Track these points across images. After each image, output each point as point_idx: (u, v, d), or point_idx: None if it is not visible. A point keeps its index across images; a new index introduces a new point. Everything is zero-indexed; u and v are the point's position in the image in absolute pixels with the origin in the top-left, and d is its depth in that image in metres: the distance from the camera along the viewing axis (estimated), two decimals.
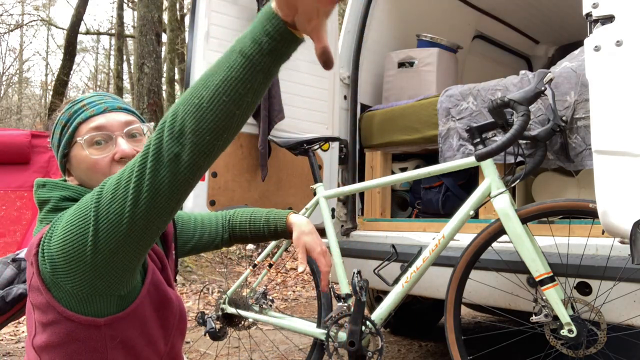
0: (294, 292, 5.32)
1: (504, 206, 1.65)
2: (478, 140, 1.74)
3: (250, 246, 6.91)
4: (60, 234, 0.83)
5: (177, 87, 12.91)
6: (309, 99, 2.67)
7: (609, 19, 1.37)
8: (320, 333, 1.92)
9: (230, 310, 2.11)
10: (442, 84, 2.80)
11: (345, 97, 2.84)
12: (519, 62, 4.10)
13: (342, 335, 1.85)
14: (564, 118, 1.88)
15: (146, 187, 0.76)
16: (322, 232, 2.44)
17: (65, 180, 1.03)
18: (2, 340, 3.32)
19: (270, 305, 2.11)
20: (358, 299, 1.75)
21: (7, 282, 1.88)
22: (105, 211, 0.79)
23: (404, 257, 1.87)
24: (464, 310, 2.18)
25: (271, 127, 2.39)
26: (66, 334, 0.88)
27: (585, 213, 1.56)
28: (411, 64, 2.90)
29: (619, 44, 1.35)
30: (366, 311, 3.15)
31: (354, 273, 1.79)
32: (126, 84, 17.16)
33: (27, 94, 19.14)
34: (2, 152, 2.54)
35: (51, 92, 11.23)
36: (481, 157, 1.71)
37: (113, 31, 15.25)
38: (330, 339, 1.86)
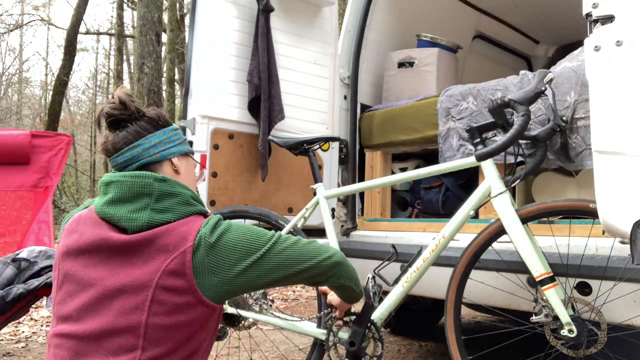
0: (293, 292, 5.31)
1: (504, 206, 1.65)
2: (478, 140, 1.74)
3: None
4: (236, 236, 1.10)
5: (177, 87, 12.91)
6: (309, 99, 2.67)
7: (609, 19, 1.37)
8: (321, 333, 1.92)
9: (231, 310, 2.11)
10: (442, 84, 2.80)
11: (345, 97, 2.84)
12: (519, 62, 4.10)
13: (343, 335, 1.85)
14: (564, 118, 1.88)
15: (307, 274, 1.20)
16: (322, 232, 2.44)
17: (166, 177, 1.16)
18: (2, 340, 3.32)
19: (271, 305, 2.11)
20: (371, 304, 1.74)
21: (7, 282, 1.89)
22: (275, 256, 1.13)
23: (404, 257, 1.87)
24: (464, 310, 2.18)
25: (271, 127, 2.39)
26: (198, 314, 1.06)
27: (586, 213, 1.56)
28: (411, 64, 2.90)
29: (619, 44, 1.35)
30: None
31: (368, 278, 1.79)
32: (126, 84, 17.16)
33: (27, 94, 19.15)
34: (2, 152, 2.54)
35: (51, 92, 11.23)
36: (481, 157, 1.71)
37: (113, 31, 15.26)
38: (330, 338, 1.86)
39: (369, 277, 1.78)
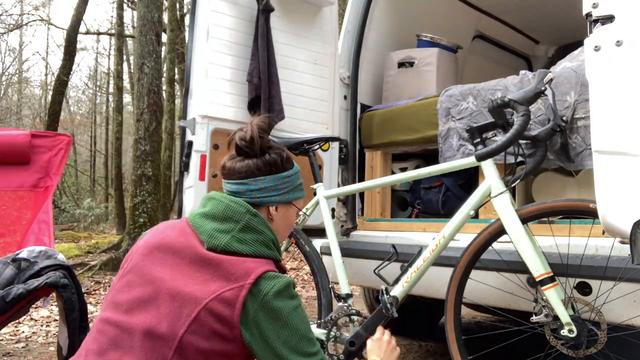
0: None
1: (504, 206, 1.65)
2: (478, 140, 1.74)
3: None
4: (297, 322, 1.09)
5: (177, 87, 12.91)
6: (309, 99, 2.67)
7: (609, 19, 1.37)
8: (320, 333, 1.92)
9: None
10: (442, 84, 2.80)
11: (345, 97, 2.84)
12: (519, 62, 4.11)
13: (343, 334, 1.85)
14: (564, 118, 1.88)
15: None
16: (322, 232, 2.44)
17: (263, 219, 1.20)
18: (2, 340, 3.32)
19: None
20: (389, 315, 1.75)
21: (7, 282, 1.88)
22: None
23: (404, 257, 1.87)
24: (464, 310, 2.18)
25: (271, 127, 2.39)
26: (230, 351, 1.08)
27: (586, 213, 1.56)
28: (411, 64, 2.90)
29: (619, 44, 1.35)
30: (367, 310, 3.15)
31: (382, 290, 1.79)
32: (126, 84, 17.16)
33: (27, 94, 19.14)
34: (2, 152, 2.54)
35: (51, 92, 11.23)
36: (481, 157, 1.71)
37: (113, 31, 15.25)
38: (330, 338, 1.86)
39: (382, 289, 1.79)
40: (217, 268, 1.08)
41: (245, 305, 1.05)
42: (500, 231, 1.70)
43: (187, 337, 1.02)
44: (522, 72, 2.13)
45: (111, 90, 17.71)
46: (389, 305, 1.75)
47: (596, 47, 1.38)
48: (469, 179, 2.66)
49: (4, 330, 3.36)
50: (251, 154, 1.22)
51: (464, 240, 1.90)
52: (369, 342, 1.57)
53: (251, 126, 1.22)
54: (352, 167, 2.76)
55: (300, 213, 2.16)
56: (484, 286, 1.86)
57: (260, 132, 1.22)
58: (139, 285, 1.10)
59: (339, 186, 2.75)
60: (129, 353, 1.03)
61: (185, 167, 2.33)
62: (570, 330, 1.52)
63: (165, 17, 11.06)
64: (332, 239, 2.05)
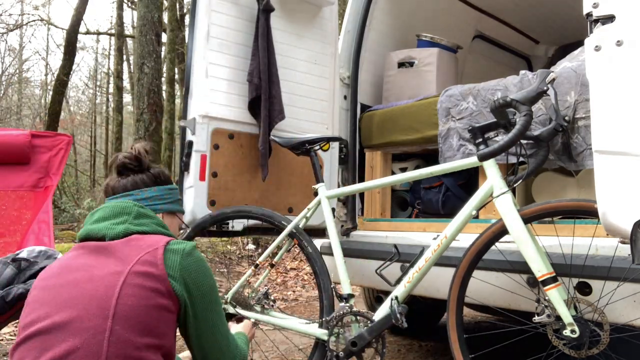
0: (294, 292, 5.31)
1: (506, 206, 1.65)
2: (480, 140, 1.74)
3: (250, 246, 6.91)
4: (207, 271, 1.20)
5: (177, 87, 12.91)
6: (309, 99, 2.67)
7: (609, 18, 1.37)
8: (322, 333, 1.92)
9: (231, 310, 2.11)
10: (442, 84, 2.80)
11: (345, 97, 2.84)
12: (519, 62, 4.11)
13: (346, 335, 1.85)
14: (566, 118, 1.88)
15: None
16: (322, 232, 2.44)
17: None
18: (2, 340, 3.31)
19: (272, 306, 2.11)
20: (399, 324, 1.75)
21: (7, 282, 1.88)
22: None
23: (405, 257, 1.87)
24: (465, 310, 2.18)
25: (272, 127, 2.39)
26: (165, 305, 1.12)
27: (589, 213, 1.56)
28: (411, 64, 2.90)
29: (619, 44, 1.35)
30: (367, 309, 3.15)
31: (391, 300, 1.79)
32: (126, 84, 17.16)
33: (27, 94, 19.13)
34: (2, 152, 2.54)
35: (51, 92, 11.22)
36: (483, 157, 1.71)
37: (113, 31, 15.25)
38: (332, 339, 1.86)
39: (392, 299, 1.79)
40: (126, 246, 1.13)
41: (166, 261, 1.11)
42: (502, 231, 1.70)
43: (122, 301, 1.03)
44: (522, 72, 2.13)
45: (111, 90, 17.71)
46: (398, 315, 1.75)
47: (596, 47, 1.38)
48: (469, 179, 2.66)
49: (4, 330, 3.35)
50: (137, 169, 1.33)
51: (464, 240, 1.90)
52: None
53: (134, 147, 1.34)
54: (352, 167, 2.76)
55: (302, 213, 2.16)
56: (486, 286, 1.86)
57: (145, 152, 1.35)
58: (53, 296, 1.08)
59: (339, 186, 2.75)
60: (61, 344, 1.00)
61: (185, 167, 2.33)
62: (572, 331, 1.52)
63: (165, 17, 11.06)
64: (333, 239, 2.05)
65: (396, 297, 1.79)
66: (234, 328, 1.62)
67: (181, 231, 1.64)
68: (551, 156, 1.96)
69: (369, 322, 1.83)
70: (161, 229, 1.24)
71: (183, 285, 1.12)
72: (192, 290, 1.14)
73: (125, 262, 1.09)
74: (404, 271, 1.82)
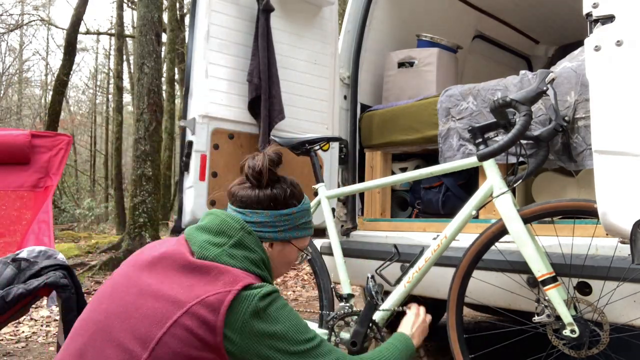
0: (294, 292, 5.32)
1: (506, 206, 1.65)
2: (480, 140, 1.74)
3: None
4: (285, 314, 1.07)
5: (177, 87, 12.91)
6: (309, 99, 2.67)
7: (609, 18, 1.37)
8: (322, 333, 1.92)
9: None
10: (442, 84, 2.80)
11: (345, 97, 2.84)
12: (519, 62, 4.11)
13: (345, 335, 1.85)
14: (566, 118, 1.88)
15: None
16: (323, 232, 2.44)
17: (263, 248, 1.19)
18: (2, 340, 3.32)
19: None
20: (374, 303, 1.75)
21: (7, 282, 1.88)
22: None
23: (405, 257, 1.87)
24: (465, 310, 2.18)
25: (272, 127, 2.39)
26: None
27: (589, 213, 1.56)
28: (411, 64, 2.90)
29: (619, 44, 1.35)
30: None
31: (367, 277, 1.79)
32: (126, 84, 17.17)
33: (27, 94, 19.13)
34: (2, 152, 2.54)
35: (51, 92, 11.22)
36: (483, 157, 1.71)
37: (113, 31, 15.25)
38: (332, 339, 1.86)
39: (368, 277, 1.79)
40: (205, 274, 1.05)
41: (230, 310, 1.01)
42: (502, 231, 1.70)
43: (165, 339, 0.99)
44: (522, 72, 2.13)
45: (111, 90, 17.71)
46: (374, 293, 1.75)
47: (596, 47, 1.38)
48: (469, 179, 2.66)
49: (4, 330, 3.36)
50: (256, 184, 1.19)
51: (464, 240, 1.90)
52: (404, 318, 1.51)
53: (263, 157, 1.19)
54: (352, 167, 2.76)
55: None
56: (486, 286, 1.86)
57: (270, 164, 1.18)
58: (124, 287, 1.08)
59: (339, 186, 2.74)
60: (104, 351, 1.00)
61: (185, 167, 2.33)
62: (572, 331, 1.52)
63: (165, 17, 11.06)
64: (333, 239, 2.05)
65: (372, 277, 1.79)
66: (399, 327, 1.46)
67: (303, 256, 1.51)
68: (551, 156, 1.96)
69: (375, 328, 1.83)
70: (253, 268, 1.12)
71: (239, 339, 1.02)
72: (243, 341, 1.02)
73: (192, 294, 1.02)
74: (404, 271, 1.82)
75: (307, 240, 1.29)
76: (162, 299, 1.02)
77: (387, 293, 1.86)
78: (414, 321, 1.50)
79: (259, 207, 1.18)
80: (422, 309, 1.59)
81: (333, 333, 1.87)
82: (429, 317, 1.53)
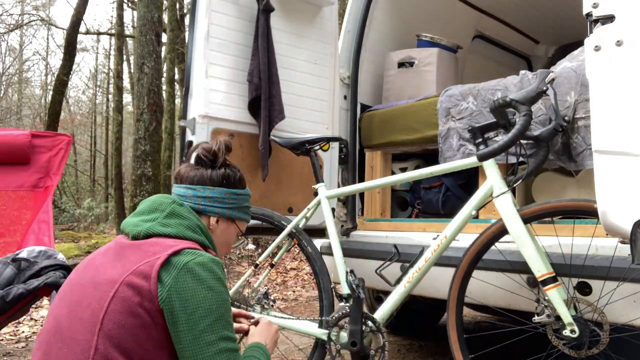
0: (293, 292, 5.32)
1: (506, 206, 1.65)
2: (480, 140, 1.74)
3: (250, 246, 6.91)
4: (195, 293, 1.04)
5: (177, 87, 12.91)
6: (309, 99, 2.67)
7: (609, 18, 1.37)
8: (322, 333, 1.92)
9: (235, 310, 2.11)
10: (442, 84, 2.80)
11: (345, 97, 2.84)
12: (519, 62, 4.10)
13: (344, 336, 1.85)
14: (566, 118, 1.88)
15: None
16: (323, 232, 2.44)
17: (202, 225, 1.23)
18: (2, 340, 3.32)
19: (272, 306, 2.11)
20: (356, 296, 1.75)
21: (7, 282, 1.88)
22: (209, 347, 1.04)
23: (405, 258, 1.87)
24: (465, 310, 2.18)
25: (272, 127, 2.39)
26: (151, 323, 1.04)
27: (589, 213, 1.56)
28: (411, 64, 2.90)
29: (619, 44, 1.35)
30: (367, 310, 3.15)
31: (347, 272, 1.79)
32: (126, 84, 17.16)
33: (27, 94, 19.12)
34: (2, 152, 2.54)
35: (51, 92, 11.22)
36: (483, 157, 1.71)
37: (113, 31, 15.25)
38: (332, 340, 1.86)
39: (347, 271, 1.80)
40: (137, 249, 1.09)
41: (160, 274, 1.03)
42: (502, 231, 1.70)
43: (108, 317, 1.01)
44: (522, 72, 2.13)
45: (111, 90, 17.71)
46: (354, 287, 1.76)
47: (596, 47, 1.38)
48: (469, 179, 2.66)
49: (4, 330, 3.35)
50: (209, 165, 1.26)
51: (464, 240, 1.90)
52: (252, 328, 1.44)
53: (218, 141, 1.27)
54: (352, 167, 2.76)
55: (302, 213, 2.16)
56: (486, 286, 1.86)
57: (225, 149, 1.27)
58: (69, 290, 1.12)
59: (339, 186, 2.74)
60: (60, 352, 1.03)
61: None
62: (572, 331, 1.52)
63: (165, 17, 11.06)
64: (333, 239, 2.05)
65: (352, 270, 1.83)
66: (250, 338, 1.40)
67: (240, 240, 1.52)
68: (551, 156, 1.96)
69: (368, 321, 1.83)
70: (189, 233, 1.14)
71: (169, 304, 1.02)
72: (177, 312, 1.02)
73: (124, 269, 1.05)
74: (404, 271, 1.82)
75: (245, 225, 1.35)
76: (99, 284, 1.06)
77: (387, 293, 1.86)
78: (266, 332, 1.40)
79: (210, 184, 1.24)
80: (265, 317, 1.56)
81: (333, 333, 1.87)
82: (275, 327, 1.44)
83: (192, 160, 1.27)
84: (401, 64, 2.93)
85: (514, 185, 1.74)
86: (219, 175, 1.25)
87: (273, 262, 2.22)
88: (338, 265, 2.00)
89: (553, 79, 1.69)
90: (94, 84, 20.93)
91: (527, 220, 1.65)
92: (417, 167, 2.82)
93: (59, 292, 1.17)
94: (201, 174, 1.24)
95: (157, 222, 1.14)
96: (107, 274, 1.06)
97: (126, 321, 1.01)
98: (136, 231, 1.13)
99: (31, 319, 3.88)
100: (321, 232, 2.53)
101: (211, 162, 1.26)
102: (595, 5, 1.39)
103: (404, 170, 2.80)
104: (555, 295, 1.54)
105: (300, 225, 2.17)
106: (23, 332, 3.54)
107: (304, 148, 2.16)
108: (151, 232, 1.12)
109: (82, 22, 11.74)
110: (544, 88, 1.65)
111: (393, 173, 2.80)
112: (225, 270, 5.99)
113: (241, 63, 2.43)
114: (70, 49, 10.36)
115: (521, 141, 1.70)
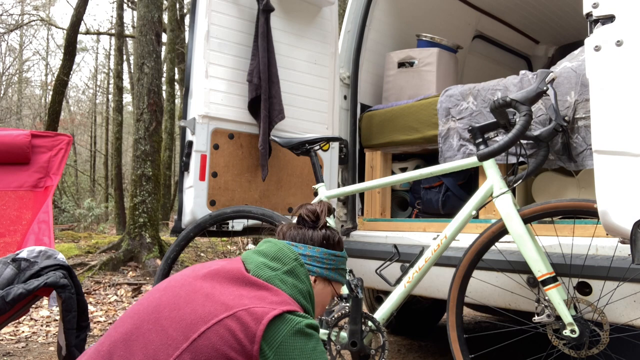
0: None
1: (506, 206, 1.65)
2: (480, 140, 1.74)
3: (250, 246, 6.91)
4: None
5: (177, 87, 12.91)
6: (309, 99, 2.67)
7: (609, 18, 1.37)
8: (322, 333, 1.92)
9: None
10: (442, 84, 2.80)
11: (345, 97, 2.84)
12: (519, 62, 4.11)
13: (344, 336, 1.85)
14: (566, 118, 1.88)
15: None
16: None
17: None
18: (2, 340, 3.32)
19: None
20: (355, 296, 1.76)
21: (7, 282, 1.88)
22: None
23: (405, 257, 1.87)
24: (465, 310, 2.18)
25: (271, 127, 2.39)
26: None
27: (589, 213, 1.56)
28: (411, 64, 2.90)
29: (619, 44, 1.35)
30: (367, 310, 3.15)
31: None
32: (126, 84, 17.16)
33: (27, 94, 19.13)
34: (2, 152, 2.54)
35: (51, 92, 11.23)
36: (483, 157, 1.71)
37: (113, 31, 15.25)
38: (332, 340, 1.86)
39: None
40: (256, 289, 1.10)
41: (271, 325, 1.03)
42: (502, 231, 1.70)
43: (208, 334, 1.01)
44: (522, 72, 2.13)
45: (111, 90, 17.71)
46: (353, 286, 1.76)
47: (596, 47, 1.38)
48: (468, 179, 2.66)
49: (4, 330, 3.35)
50: (311, 225, 1.31)
51: (464, 240, 1.90)
52: None
53: (322, 204, 1.33)
54: (352, 167, 2.76)
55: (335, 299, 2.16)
56: (486, 286, 1.86)
57: (327, 211, 1.32)
58: (179, 284, 1.12)
59: (338, 186, 2.75)
60: (148, 335, 1.03)
61: (185, 167, 2.33)
62: (572, 331, 1.52)
63: (165, 17, 11.06)
64: None
65: (350, 270, 1.83)
66: None
67: (334, 302, 1.56)
68: (551, 156, 1.96)
69: (368, 321, 1.83)
70: (300, 298, 1.18)
71: (270, 351, 1.03)
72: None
73: (239, 302, 1.06)
74: (404, 271, 1.82)
75: (341, 287, 1.39)
76: (212, 300, 1.06)
77: (387, 293, 1.86)
78: None
79: (312, 244, 1.29)
80: None
81: (333, 333, 1.87)
82: None
83: (295, 221, 1.33)
84: (401, 64, 2.93)
85: (514, 185, 1.74)
86: (319, 235, 1.29)
87: None
88: None
89: (553, 79, 1.69)
90: (94, 84, 20.94)
91: (527, 220, 1.65)
92: (417, 167, 2.82)
93: (167, 279, 1.18)
94: (303, 233, 1.29)
95: (277, 275, 1.16)
96: (223, 296, 1.07)
97: (220, 348, 1.01)
98: (257, 273, 1.15)
99: (31, 319, 3.88)
100: None
101: (313, 222, 1.31)
102: (595, 5, 1.39)
103: (404, 170, 2.80)
104: (556, 295, 1.54)
105: None
106: (23, 332, 3.54)
107: (304, 148, 2.16)
108: (270, 282, 1.14)
109: (82, 22, 11.74)
110: (544, 88, 1.65)
111: (393, 173, 2.80)
112: None
113: (241, 63, 2.43)
114: (70, 49, 10.36)
115: (521, 141, 1.70)
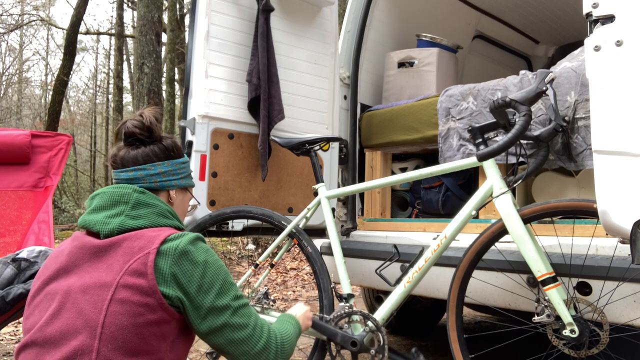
0: (294, 292, 5.31)
1: (506, 206, 1.65)
2: (480, 140, 1.74)
3: (250, 246, 6.91)
4: (217, 266, 1.12)
5: (177, 87, 12.90)
6: (309, 99, 2.67)
7: (609, 18, 1.37)
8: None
9: None
10: (442, 84, 2.80)
11: (345, 97, 2.84)
12: (519, 62, 4.11)
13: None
14: (566, 118, 1.88)
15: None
16: (323, 232, 2.44)
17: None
18: (2, 340, 3.32)
19: (272, 306, 2.11)
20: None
21: (7, 282, 1.88)
22: (229, 323, 1.11)
23: (405, 258, 1.87)
24: (465, 310, 2.18)
25: (271, 127, 2.39)
26: (157, 319, 1.05)
27: (589, 213, 1.56)
28: (411, 64, 2.90)
29: (619, 44, 1.35)
30: (367, 310, 3.15)
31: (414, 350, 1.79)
32: (126, 84, 17.16)
33: (27, 94, 19.12)
34: (2, 152, 2.54)
35: (51, 92, 11.22)
36: (483, 157, 1.71)
37: (113, 31, 15.25)
38: (333, 349, 1.86)
39: (413, 350, 1.80)
40: (117, 249, 1.06)
41: (157, 267, 1.03)
42: (502, 231, 1.70)
43: (109, 320, 0.99)
44: (522, 72, 2.13)
45: (111, 90, 17.71)
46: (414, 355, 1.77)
47: (596, 47, 1.38)
48: (468, 178, 2.66)
49: (4, 330, 3.35)
50: (147, 141, 1.22)
51: (464, 240, 1.90)
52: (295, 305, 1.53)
53: (145, 115, 1.22)
54: (352, 167, 2.76)
55: (302, 213, 2.16)
56: (486, 286, 1.86)
57: (155, 120, 1.24)
58: (49, 301, 1.07)
59: (338, 186, 2.75)
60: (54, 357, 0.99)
61: None
62: (572, 331, 1.52)
63: (165, 17, 11.06)
64: (333, 239, 2.05)
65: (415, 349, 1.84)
66: (290, 311, 1.46)
67: (191, 205, 1.53)
68: (551, 156, 1.96)
69: (368, 321, 1.83)
70: (162, 220, 1.15)
71: (176, 287, 1.04)
72: (187, 288, 1.05)
73: (114, 270, 1.03)
74: (404, 271, 1.82)
75: (193, 191, 1.37)
76: (89, 289, 1.03)
77: (387, 293, 1.86)
78: (297, 309, 1.50)
79: (158, 160, 1.22)
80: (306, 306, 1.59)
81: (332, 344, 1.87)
82: (308, 307, 1.53)
83: (123, 143, 1.23)
84: (401, 64, 2.93)
85: (514, 185, 1.74)
86: (162, 148, 1.23)
87: (273, 262, 2.22)
88: (338, 265, 2.00)
89: (553, 79, 1.69)
90: (94, 84, 20.93)
91: (527, 220, 1.65)
92: (417, 167, 2.82)
93: (28, 303, 1.12)
94: (144, 152, 1.21)
95: (125, 216, 1.11)
96: (95, 278, 1.04)
97: (128, 322, 1.00)
98: (108, 229, 1.09)
99: None
100: (321, 232, 2.53)
101: (148, 137, 1.22)
102: (595, 5, 1.39)
103: (404, 170, 2.80)
104: (555, 295, 1.54)
105: (300, 225, 2.17)
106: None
107: (304, 148, 2.16)
108: (124, 228, 1.10)
109: (82, 22, 11.74)
110: (544, 88, 1.65)
111: (393, 173, 2.80)
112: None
113: (241, 63, 2.43)
114: (70, 49, 10.35)
115: (521, 141, 1.70)
